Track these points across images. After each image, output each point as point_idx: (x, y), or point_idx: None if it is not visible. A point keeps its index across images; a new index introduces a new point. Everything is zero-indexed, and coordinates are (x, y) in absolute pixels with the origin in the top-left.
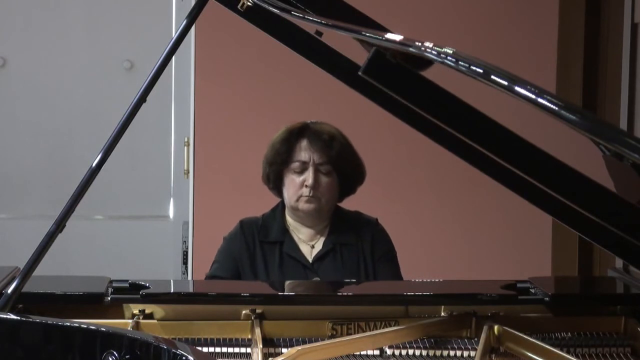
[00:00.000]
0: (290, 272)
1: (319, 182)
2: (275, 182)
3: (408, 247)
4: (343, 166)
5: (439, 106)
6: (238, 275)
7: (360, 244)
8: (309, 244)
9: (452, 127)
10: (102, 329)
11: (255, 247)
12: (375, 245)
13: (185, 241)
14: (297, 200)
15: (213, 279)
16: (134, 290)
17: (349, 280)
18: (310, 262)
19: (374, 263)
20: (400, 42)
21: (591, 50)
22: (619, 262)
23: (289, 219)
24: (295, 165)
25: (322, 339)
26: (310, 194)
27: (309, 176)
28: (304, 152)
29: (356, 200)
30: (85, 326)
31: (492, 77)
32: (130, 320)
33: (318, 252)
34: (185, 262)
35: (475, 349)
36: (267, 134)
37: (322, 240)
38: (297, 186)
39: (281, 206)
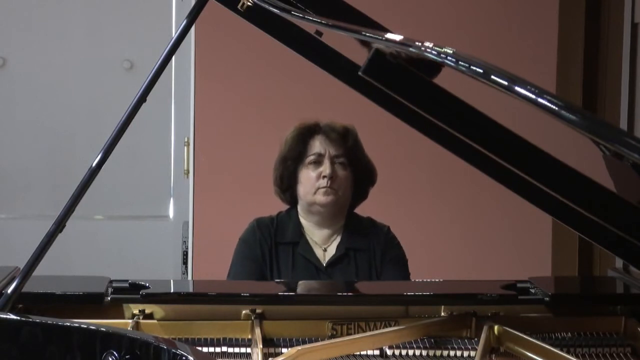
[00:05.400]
0: (303, 274)
1: (336, 174)
2: (289, 180)
3: (408, 247)
4: (357, 161)
5: (439, 106)
6: (261, 277)
7: (372, 250)
8: (322, 247)
9: (452, 127)
10: (102, 329)
11: (271, 247)
12: (387, 253)
13: (185, 241)
14: (315, 193)
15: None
16: (134, 290)
17: (348, 280)
18: (324, 265)
19: (385, 271)
20: (400, 42)
21: (591, 50)
22: (619, 262)
23: (303, 221)
24: (311, 158)
25: (322, 339)
26: (328, 185)
27: (326, 167)
28: (319, 145)
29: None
30: (85, 326)
31: (492, 77)
32: (130, 320)
33: (332, 257)
34: (185, 262)
35: (475, 349)
36: (267, 133)
37: (335, 244)
38: (313, 179)
39: (295, 208)
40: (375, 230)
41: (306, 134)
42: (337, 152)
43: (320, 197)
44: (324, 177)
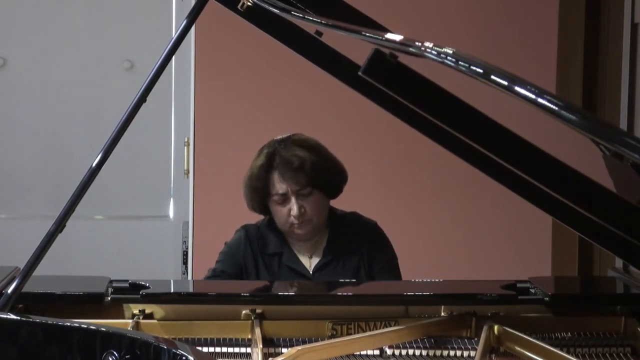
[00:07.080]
0: None
1: (304, 207)
2: (262, 211)
3: (408, 247)
4: (322, 178)
5: (439, 106)
6: (241, 275)
7: (360, 250)
8: (308, 254)
9: (452, 127)
10: (102, 329)
11: (257, 256)
12: (376, 252)
13: (185, 241)
14: (290, 227)
15: (214, 278)
16: (134, 290)
17: (348, 280)
18: (311, 272)
19: (374, 272)
20: (400, 42)
21: (591, 50)
22: (619, 262)
23: (285, 234)
24: (276, 197)
25: (322, 339)
26: (300, 221)
27: (292, 206)
28: (279, 184)
29: (355, 200)
30: (85, 326)
31: (492, 77)
32: (130, 320)
33: (318, 263)
34: (185, 262)
35: (475, 349)
36: (267, 133)
37: (321, 249)
38: (285, 215)
39: None
40: (361, 228)
41: (263, 172)
42: (297, 186)
43: (297, 230)
44: (294, 216)
